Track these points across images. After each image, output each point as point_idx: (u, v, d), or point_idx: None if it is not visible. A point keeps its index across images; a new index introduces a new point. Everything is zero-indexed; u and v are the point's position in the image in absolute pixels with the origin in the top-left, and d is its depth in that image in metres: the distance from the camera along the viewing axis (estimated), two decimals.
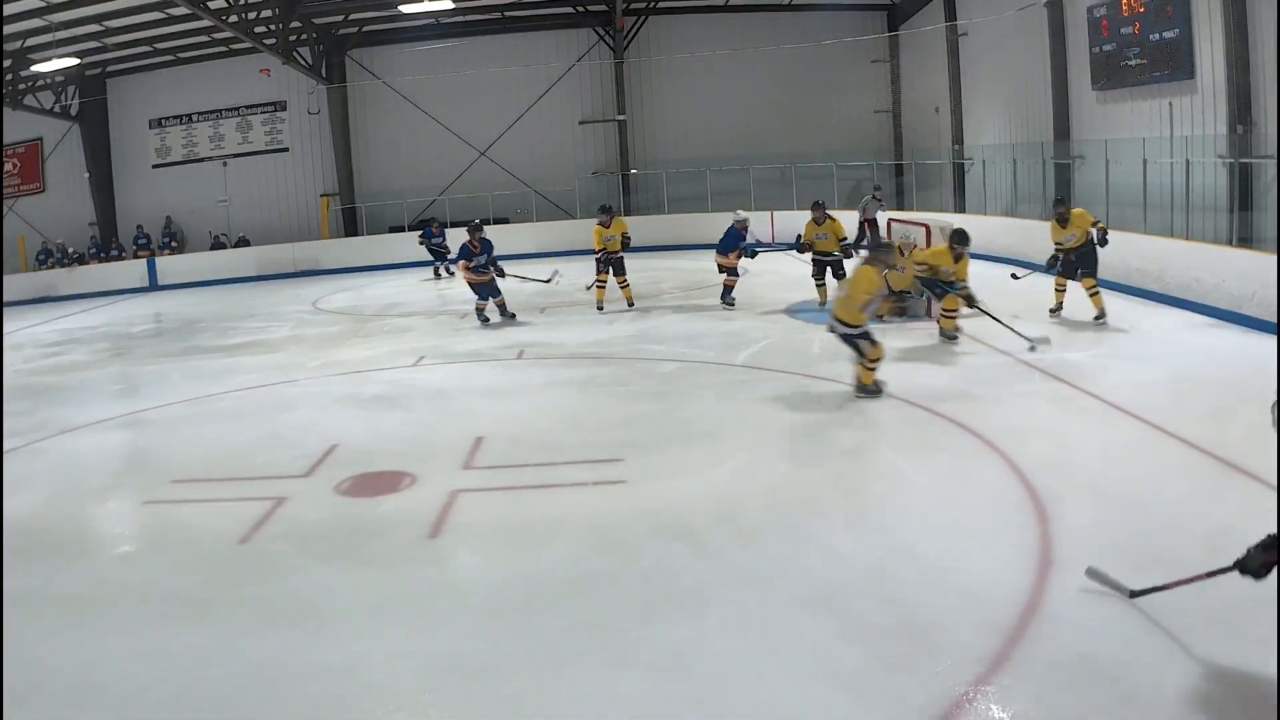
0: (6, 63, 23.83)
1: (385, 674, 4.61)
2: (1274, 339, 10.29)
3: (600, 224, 15.29)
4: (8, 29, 21.96)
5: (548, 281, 16.19)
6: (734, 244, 14.66)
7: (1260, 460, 6.42)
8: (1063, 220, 12.11)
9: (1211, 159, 13.91)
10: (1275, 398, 4.02)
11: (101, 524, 7.17)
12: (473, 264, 14.45)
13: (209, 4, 20.20)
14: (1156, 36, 15.09)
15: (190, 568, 6.02)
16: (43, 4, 20.90)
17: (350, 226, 28.55)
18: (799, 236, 14.59)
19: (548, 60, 28.43)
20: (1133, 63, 15.76)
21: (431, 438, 8.73)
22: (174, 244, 28.75)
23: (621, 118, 28.31)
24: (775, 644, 4.64)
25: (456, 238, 26.45)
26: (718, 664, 4.49)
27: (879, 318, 11.04)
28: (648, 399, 9.76)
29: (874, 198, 20.56)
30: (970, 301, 11.18)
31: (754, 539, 5.90)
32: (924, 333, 12.33)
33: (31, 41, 23.31)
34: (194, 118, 29.06)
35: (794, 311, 14.40)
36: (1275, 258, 10.81)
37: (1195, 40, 14.40)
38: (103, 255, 28.21)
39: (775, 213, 24.81)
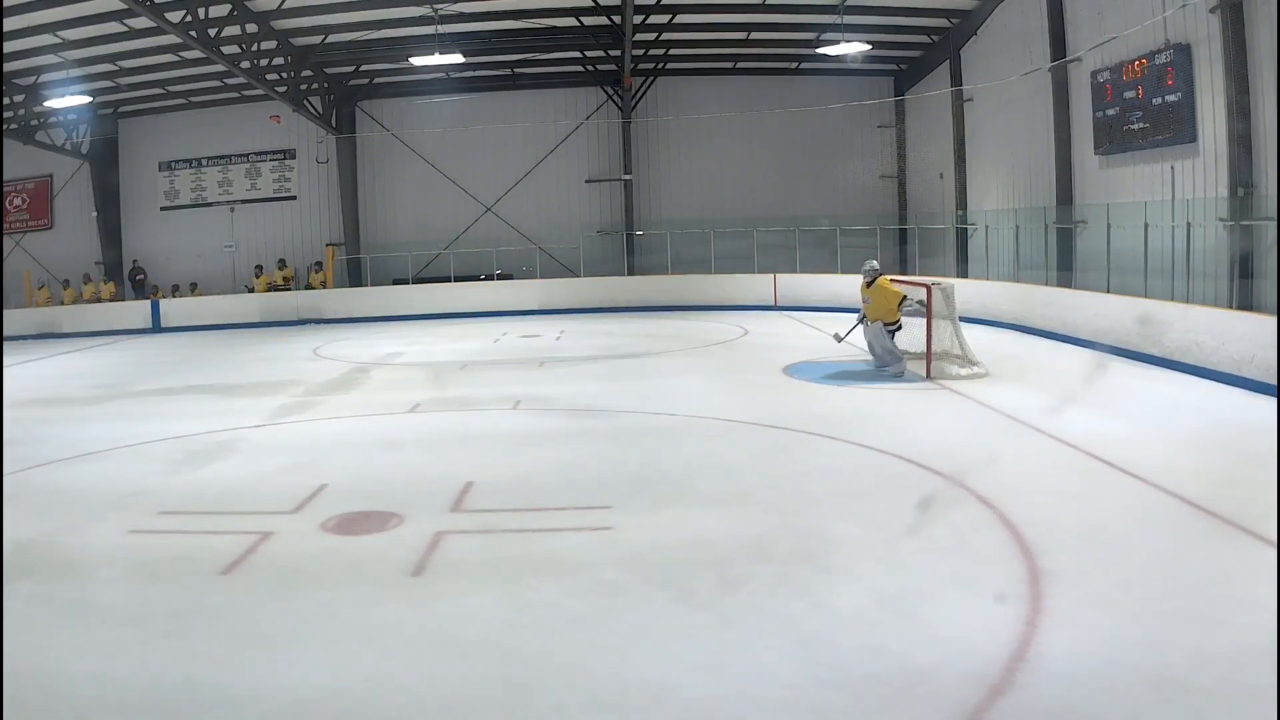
0: (19, 97, 24.11)
1: (361, 707, 4.52)
2: (1273, 401, 10.28)
3: None
4: (21, 64, 22.29)
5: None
6: None
7: (1253, 517, 6.47)
8: None
9: (1212, 222, 13.95)
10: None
11: (85, 550, 7.05)
12: None
13: (222, 49, 20.44)
14: (1159, 100, 15.21)
15: (172, 596, 5.98)
16: (57, 40, 21.19)
17: (355, 277, 28.66)
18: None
19: (556, 118, 28.74)
20: (1135, 127, 15.87)
21: (421, 481, 8.66)
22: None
23: (628, 177, 28.52)
24: (754, 686, 4.52)
25: (460, 292, 26.94)
26: (695, 706, 4.38)
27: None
28: (639, 450, 9.69)
29: None
30: None
31: (739, 585, 5.78)
32: (917, 390, 12.38)
33: (45, 77, 23.62)
34: (203, 162, 29.36)
35: (794, 370, 14.38)
36: (1275, 321, 10.80)
37: (1197, 104, 14.53)
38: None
39: (779, 276, 24.98)
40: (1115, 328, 14.53)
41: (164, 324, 26.50)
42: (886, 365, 13.52)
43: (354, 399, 13.57)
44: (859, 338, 14.01)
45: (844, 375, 13.75)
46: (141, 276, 28.97)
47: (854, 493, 7.86)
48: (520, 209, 28.96)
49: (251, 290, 28.00)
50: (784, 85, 28.20)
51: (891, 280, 13.94)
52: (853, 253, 25.31)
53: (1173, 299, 14.16)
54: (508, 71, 27.81)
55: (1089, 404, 11.22)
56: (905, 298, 13.40)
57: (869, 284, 13.57)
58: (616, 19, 22.53)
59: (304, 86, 25.55)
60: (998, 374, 13.12)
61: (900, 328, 13.61)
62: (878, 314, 13.47)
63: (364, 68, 27.00)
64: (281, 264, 28.63)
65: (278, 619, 5.59)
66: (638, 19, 22.13)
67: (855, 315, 14.22)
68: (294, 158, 29.23)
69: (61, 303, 28.15)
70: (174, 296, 27.77)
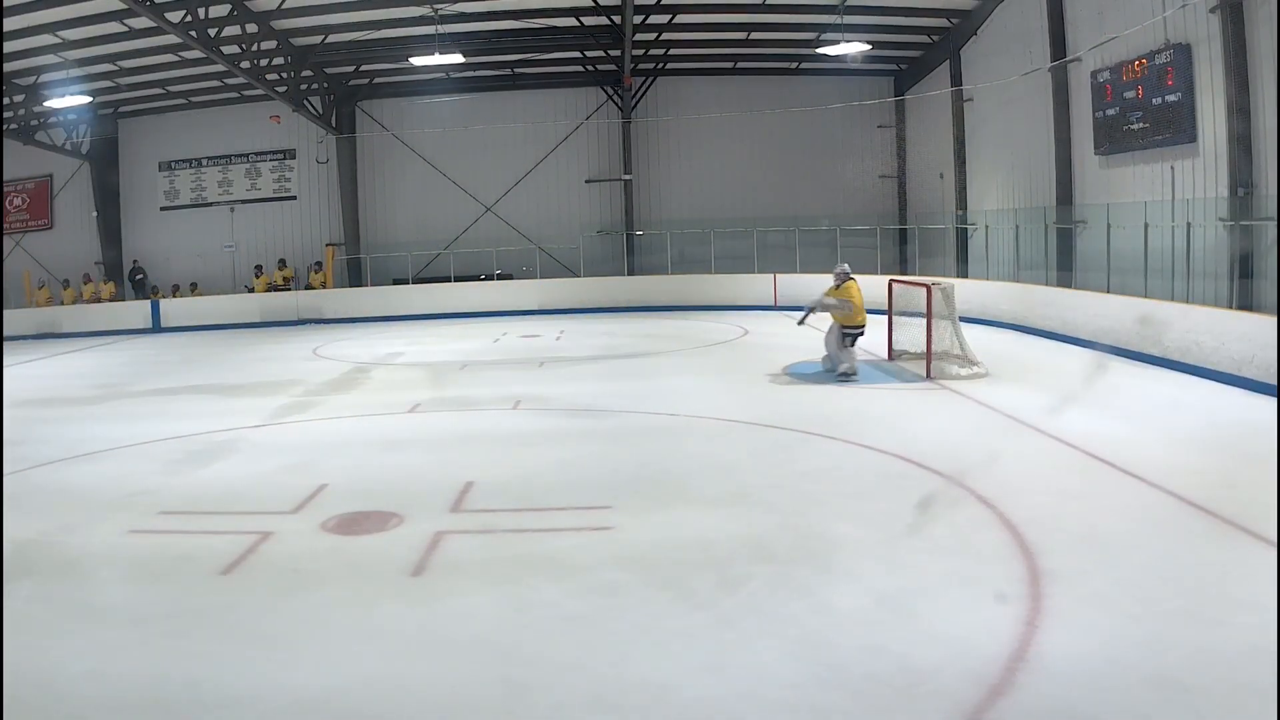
0: (19, 97, 24.11)
1: (361, 707, 4.52)
2: (1273, 401, 10.28)
3: None
4: (21, 64, 22.29)
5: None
6: None
7: (1253, 517, 6.49)
8: None
9: (1212, 222, 13.94)
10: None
11: (86, 551, 7.05)
12: None
13: (222, 49, 20.43)
14: (1159, 100, 15.21)
15: (172, 596, 5.98)
16: (57, 40, 21.19)
17: (355, 277, 28.65)
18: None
19: (556, 118, 28.74)
20: (1135, 127, 15.87)
21: (421, 481, 8.66)
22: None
23: (628, 177, 28.50)
24: (754, 687, 4.52)
25: (460, 292, 26.94)
26: (695, 706, 4.38)
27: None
28: (639, 450, 9.69)
29: None
30: None
31: (739, 585, 5.78)
32: (917, 390, 12.38)
33: (45, 77, 23.62)
34: (203, 162, 29.33)
35: (793, 370, 14.36)
36: (1275, 321, 10.80)
37: (1197, 104, 14.52)
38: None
39: (779, 276, 24.98)
40: (1115, 328, 14.52)
41: (164, 324, 26.50)
42: (834, 368, 13.56)
43: (354, 399, 13.57)
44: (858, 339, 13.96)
45: (844, 375, 13.73)
46: (141, 276, 28.95)
47: (854, 493, 7.86)
48: (520, 209, 28.95)
49: (251, 290, 28.00)
50: (784, 85, 28.19)
51: (895, 281, 13.91)
52: (853, 253, 25.26)
53: (1173, 299, 14.15)
54: (508, 71, 27.79)
55: (1089, 404, 11.22)
56: (857, 305, 13.38)
57: (837, 286, 13.58)
58: (616, 19, 22.52)
59: (304, 86, 25.55)
60: (998, 374, 13.12)
61: (862, 333, 13.58)
62: (839, 317, 13.52)
63: (364, 68, 26.97)
64: (282, 264, 28.64)
65: (278, 619, 5.59)
66: (638, 19, 22.11)
67: (805, 309, 14.07)
68: (294, 158, 29.20)
69: (61, 303, 28.15)
70: (174, 296, 27.77)
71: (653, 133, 28.80)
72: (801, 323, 14.08)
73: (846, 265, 14.00)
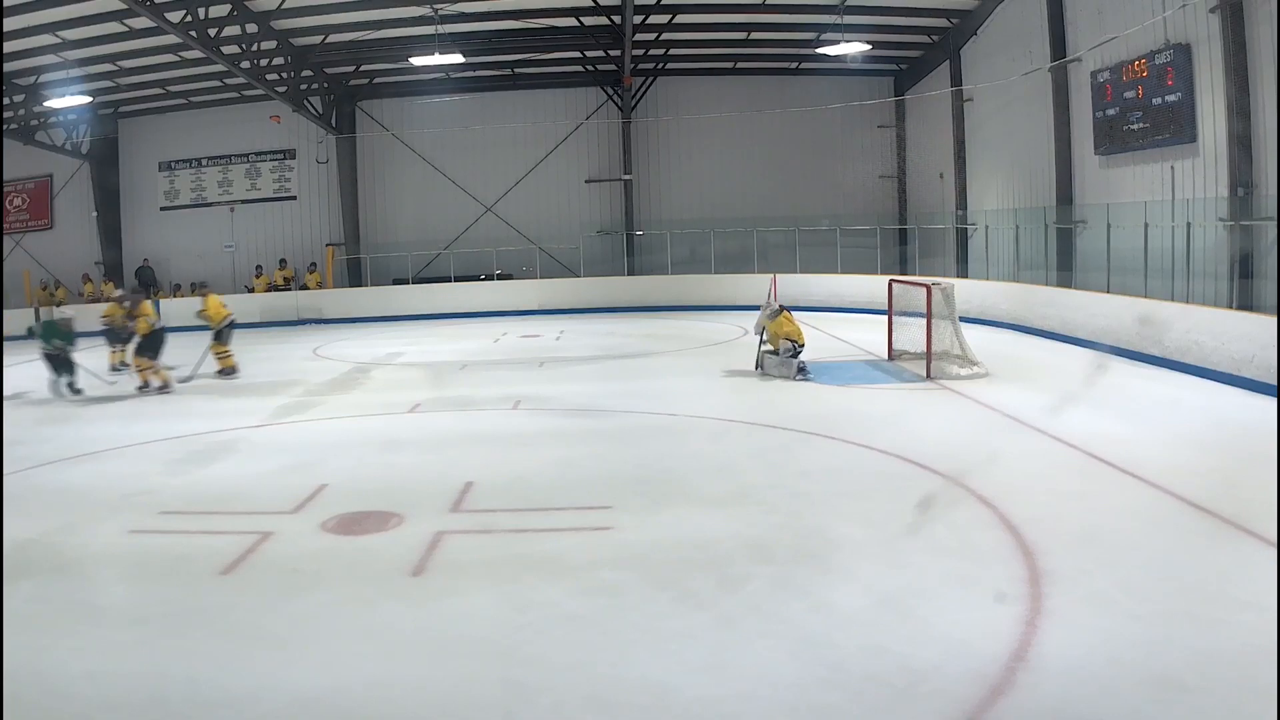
0: (19, 97, 24.09)
1: (361, 707, 4.52)
2: (1273, 401, 10.28)
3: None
4: (21, 64, 22.29)
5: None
6: None
7: (1253, 517, 6.50)
8: None
9: (1212, 222, 13.92)
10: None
11: (86, 550, 7.05)
12: None
13: (222, 49, 20.42)
14: (1159, 100, 15.17)
15: (172, 596, 5.99)
16: (57, 40, 21.19)
17: (355, 277, 28.63)
18: None
19: (556, 118, 28.72)
20: (1135, 127, 15.84)
21: (422, 481, 8.67)
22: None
23: (628, 177, 28.48)
24: (754, 686, 4.53)
25: (460, 292, 26.92)
26: (695, 706, 4.38)
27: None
28: (639, 450, 9.69)
29: None
30: None
31: (739, 586, 5.79)
32: (917, 390, 12.38)
33: (45, 77, 23.63)
34: (203, 162, 29.29)
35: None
36: (1275, 321, 10.79)
37: (1197, 104, 14.49)
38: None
39: (779, 276, 24.92)
40: (1115, 328, 14.53)
41: (164, 324, 26.35)
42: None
43: (354, 399, 13.58)
44: (857, 336, 13.98)
45: (844, 375, 13.75)
46: (149, 275, 28.86)
47: (854, 493, 7.85)
48: (520, 209, 28.93)
49: (252, 290, 27.97)
50: (784, 85, 28.18)
51: (895, 281, 13.89)
52: (853, 253, 25.29)
53: (1173, 299, 14.13)
54: (508, 71, 27.76)
55: (1089, 404, 11.20)
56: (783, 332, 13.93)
57: (771, 319, 14.04)
58: (616, 19, 22.50)
59: (304, 86, 25.53)
60: (998, 374, 13.12)
61: (793, 353, 13.81)
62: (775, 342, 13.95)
63: (364, 68, 26.95)
64: (282, 264, 28.65)
65: (278, 619, 5.59)
66: (638, 19, 22.09)
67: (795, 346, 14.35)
68: (294, 158, 29.17)
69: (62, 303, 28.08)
70: (174, 296, 27.73)
71: (653, 133, 28.79)
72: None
73: (777, 304, 14.39)
